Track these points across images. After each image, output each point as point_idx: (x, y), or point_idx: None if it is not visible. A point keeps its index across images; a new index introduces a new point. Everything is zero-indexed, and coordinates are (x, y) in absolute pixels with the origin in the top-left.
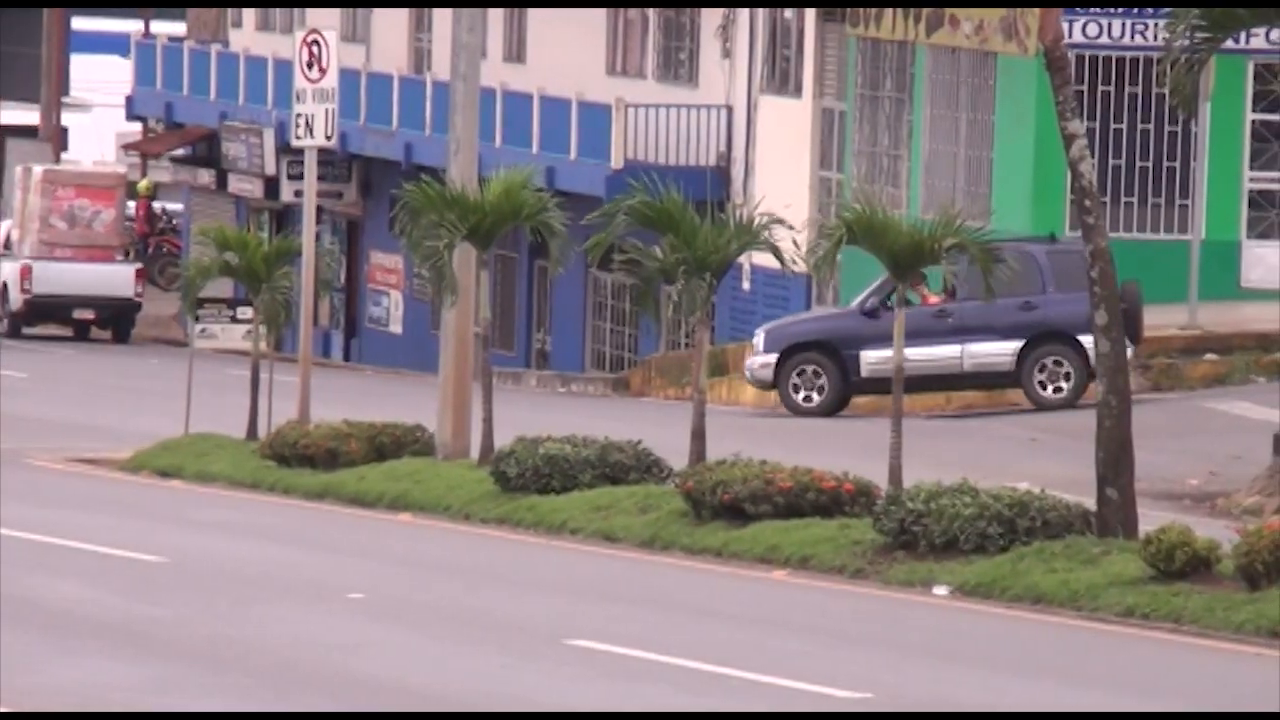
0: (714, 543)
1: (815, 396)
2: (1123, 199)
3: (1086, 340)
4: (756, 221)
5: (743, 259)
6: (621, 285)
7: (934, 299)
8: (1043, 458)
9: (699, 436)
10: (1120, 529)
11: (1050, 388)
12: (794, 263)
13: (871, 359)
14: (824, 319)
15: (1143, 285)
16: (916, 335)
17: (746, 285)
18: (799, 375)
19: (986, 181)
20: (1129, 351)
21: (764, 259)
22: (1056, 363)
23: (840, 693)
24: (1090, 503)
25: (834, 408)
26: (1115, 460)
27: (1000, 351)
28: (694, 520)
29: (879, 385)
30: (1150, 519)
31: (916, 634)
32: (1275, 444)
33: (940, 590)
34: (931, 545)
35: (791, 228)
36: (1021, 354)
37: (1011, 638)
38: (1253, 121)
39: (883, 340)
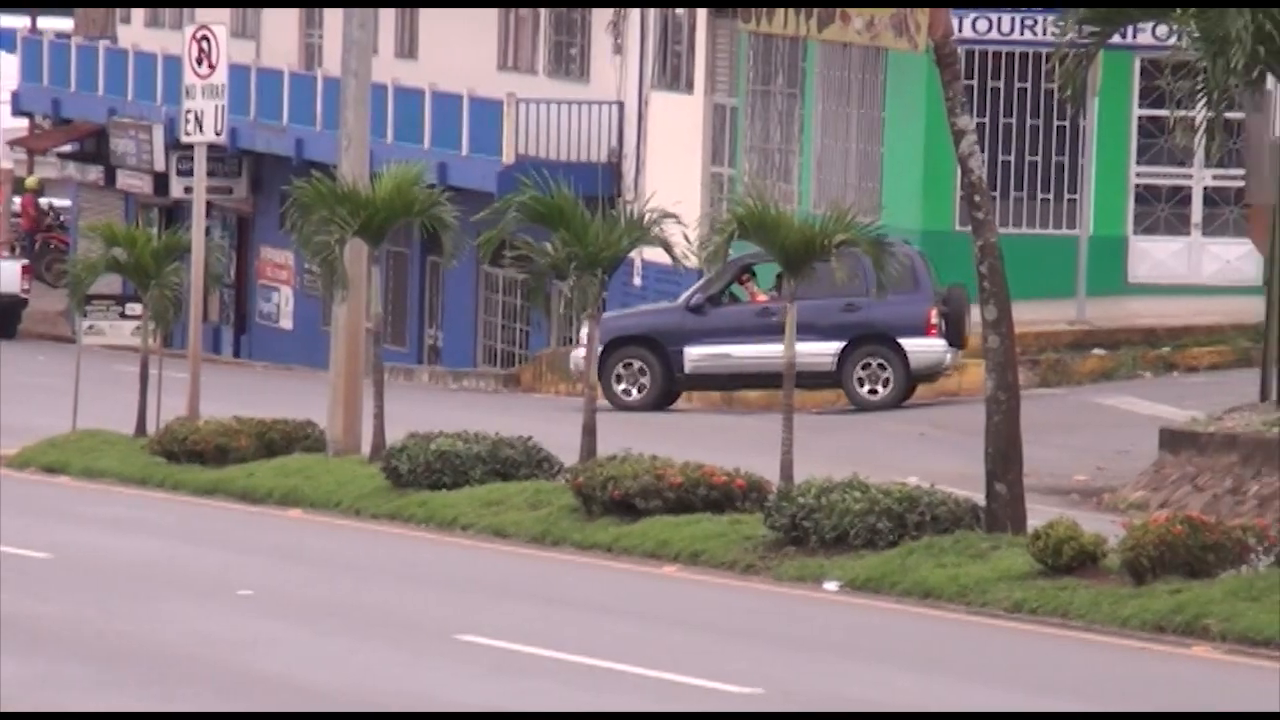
0: (605, 538)
1: (637, 391)
2: (1012, 194)
3: (907, 342)
4: (647, 217)
5: (634, 254)
6: (513, 281)
7: (762, 297)
8: (932, 453)
9: (590, 432)
10: (1009, 524)
11: (870, 389)
12: (685, 258)
13: (695, 355)
14: (649, 314)
15: (968, 288)
16: (739, 333)
17: (638, 281)
18: (622, 369)
19: (877, 177)
20: (951, 355)
21: (655, 254)
22: (878, 364)
23: (731, 688)
24: (979, 498)
25: (657, 403)
26: (1004, 455)
27: (822, 352)
28: (585, 516)
29: (702, 381)
30: (1038, 514)
31: (807, 629)
32: (1161, 439)
33: (830, 585)
34: (822, 540)
35: (682, 223)
36: (843, 355)
37: (901, 632)
38: (1139, 117)
39: (707, 336)
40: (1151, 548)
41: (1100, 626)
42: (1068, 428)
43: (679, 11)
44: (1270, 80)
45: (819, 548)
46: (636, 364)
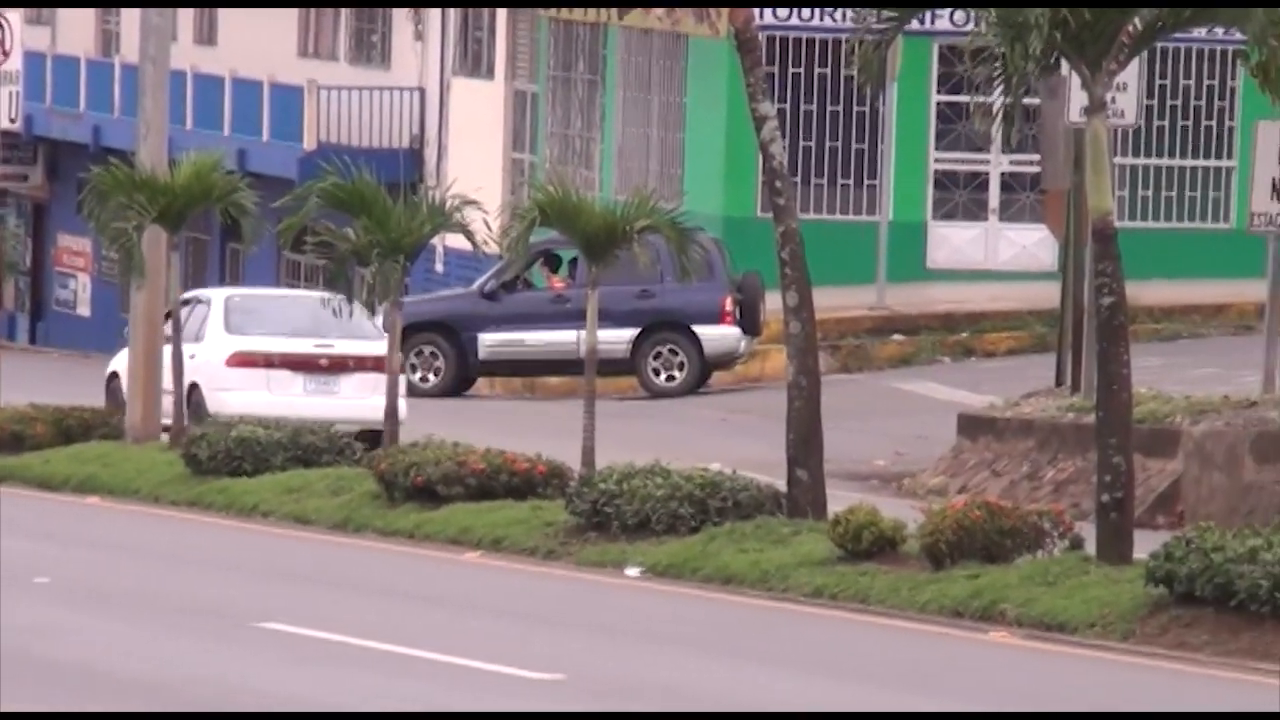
0: (406, 525)
1: (432, 377)
2: (813, 180)
3: (701, 329)
4: (449, 203)
5: (436, 241)
6: (314, 268)
7: (559, 283)
8: (734, 439)
9: (392, 418)
10: (810, 510)
11: (664, 376)
12: (486, 244)
13: (490, 341)
14: (443, 300)
15: (762, 276)
16: (534, 319)
17: (440, 267)
18: (416, 356)
19: (679, 163)
20: (746, 342)
21: (457, 241)
22: (671, 351)
23: (532, 674)
24: (781, 483)
25: (452, 389)
26: (805, 441)
27: (615, 339)
28: (387, 502)
29: (497, 367)
30: (839, 499)
31: (609, 615)
32: (959, 424)
33: (632, 571)
34: (624, 526)
35: (483, 209)
36: (637, 341)
37: (703, 618)
38: (938, 103)
39: (501, 323)
40: (950, 533)
41: (899, 611)
42: (868, 413)
43: None
44: (1065, 66)
45: (621, 533)
46: (430, 350)
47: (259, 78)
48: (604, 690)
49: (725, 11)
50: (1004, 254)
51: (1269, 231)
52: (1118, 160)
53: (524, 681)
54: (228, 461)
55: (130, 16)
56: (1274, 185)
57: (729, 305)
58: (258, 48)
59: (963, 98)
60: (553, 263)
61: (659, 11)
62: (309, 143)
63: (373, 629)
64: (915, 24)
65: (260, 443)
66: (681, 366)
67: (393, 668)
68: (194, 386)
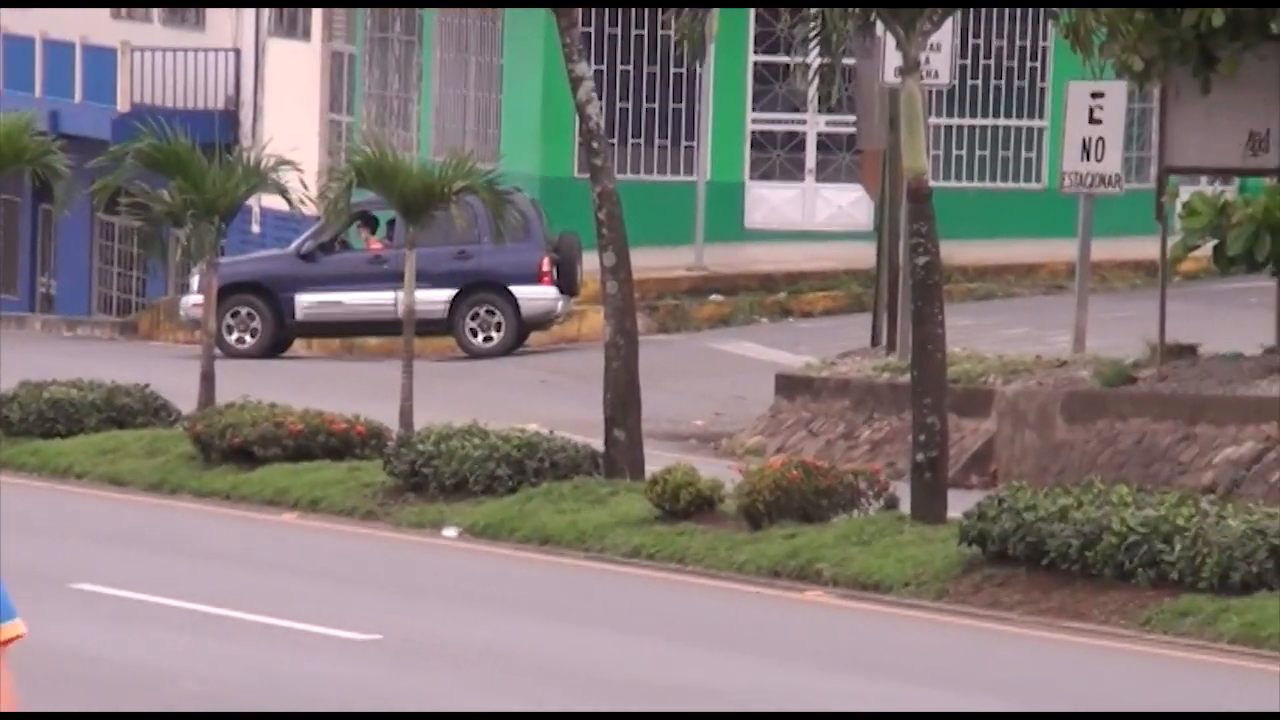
0: (223, 485)
1: (249, 338)
2: (630, 141)
3: (518, 290)
4: (264, 164)
5: (252, 201)
6: (129, 229)
7: (376, 244)
8: (552, 399)
9: (208, 379)
10: (627, 470)
11: (481, 336)
12: (302, 205)
13: (306, 302)
14: (260, 261)
15: (579, 236)
16: (352, 280)
17: (257, 228)
18: (233, 317)
19: (496, 124)
20: (563, 303)
21: (274, 202)
22: (489, 311)
23: (351, 635)
24: (598, 444)
25: (268, 350)
26: (623, 401)
27: (433, 299)
28: (203, 463)
29: (314, 329)
30: (657, 459)
31: (426, 575)
32: (777, 384)
33: (450, 532)
34: (441, 487)
35: (299, 170)
36: (454, 302)
37: (520, 578)
38: (754, 63)
39: (318, 284)
40: (767, 493)
41: (717, 571)
42: (686, 373)
43: None
44: (880, 26)
45: (438, 494)
46: (246, 311)
47: (71, 39)
48: (421, 651)
49: None
50: (821, 214)
51: (1080, 191)
52: (932, 120)
53: (342, 642)
54: (40, 423)
55: None
56: (1084, 145)
57: (546, 266)
58: (70, 9)
59: (780, 58)
60: (370, 224)
61: None
62: (123, 104)
63: (189, 590)
64: None
65: (74, 404)
66: (499, 327)
67: (211, 628)
68: None
